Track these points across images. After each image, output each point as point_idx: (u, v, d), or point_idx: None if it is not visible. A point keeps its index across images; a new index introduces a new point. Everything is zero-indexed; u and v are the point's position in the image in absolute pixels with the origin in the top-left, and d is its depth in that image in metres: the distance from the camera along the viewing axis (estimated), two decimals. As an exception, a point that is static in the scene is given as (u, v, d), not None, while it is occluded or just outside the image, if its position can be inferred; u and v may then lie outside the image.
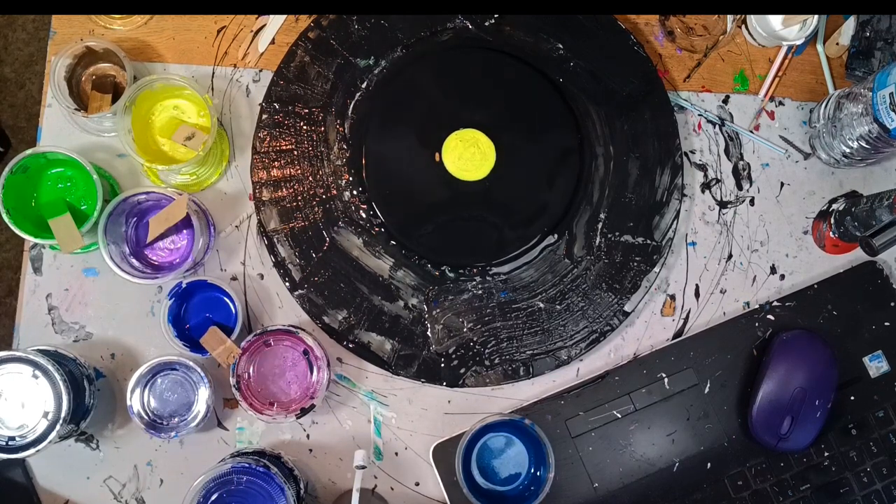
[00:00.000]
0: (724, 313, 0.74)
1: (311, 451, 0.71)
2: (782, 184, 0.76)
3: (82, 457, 0.70)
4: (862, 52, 0.75)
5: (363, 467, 0.64)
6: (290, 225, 0.71)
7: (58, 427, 0.62)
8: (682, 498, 0.71)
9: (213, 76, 0.74)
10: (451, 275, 0.71)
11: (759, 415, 0.70)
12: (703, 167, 0.76)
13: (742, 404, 0.72)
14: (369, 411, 0.71)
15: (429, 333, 0.71)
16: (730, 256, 0.75)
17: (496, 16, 0.74)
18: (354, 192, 0.72)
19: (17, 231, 0.65)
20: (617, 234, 0.72)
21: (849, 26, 0.76)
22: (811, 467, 0.71)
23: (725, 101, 0.76)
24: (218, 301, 0.70)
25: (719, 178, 0.76)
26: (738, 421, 0.72)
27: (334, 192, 0.72)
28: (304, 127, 0.72)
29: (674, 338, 0.74)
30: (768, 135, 0.76)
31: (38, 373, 0.62)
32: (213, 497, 0.61)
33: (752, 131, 0.76)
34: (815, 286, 0.74)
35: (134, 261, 0.69)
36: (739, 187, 0.75)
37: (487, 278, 0.71)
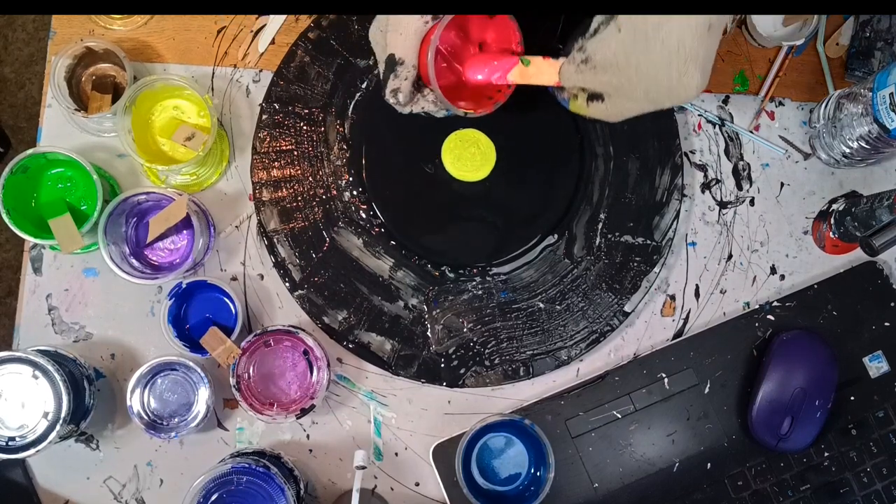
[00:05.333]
0: (724, 313, 0.74)
1: (311, 451, 0.71)
2: (782, 184, 0.76)
3: (82, 457, 0.70)
4: (862, 52, 0.75)
5: (363, 467, 0.64)
6: (290, 225, 0.71)
7: (58, 427, 0.62)
8: (682, 498, 0.71)
9: (213, 76, 0.74)
10: (451, 275, 0.71)
11: (759, 415, 0.70)
12: (703, 167, 0.76)
13: (742, 404, 0.72)
14: (369, 411, 0.71)
15: (429, 334, 0.71)
16: (730, 256, 0.75)
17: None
18: (354, 193, 0.72)
19: (17, 231, 0.65)
20: (617, 234, 0.72)
21: (849, 26, 0.76)
22: (811, 467, 0.71)
23: (725, 101, 0.76)
24: (218, 301, 0.70)
25: (719, 178, 0.76)
26: (738, 421, 0.72)
27: (334, 192, 0.72)
28: (304, 127, 0.72)
29: (674, 338, 0.74)
30: (768, 135, 0.76)
31: (38, 373, 0.63)
32: (213, 497, 0.61)
33: (752, 131, 0.76)
34: (815, 286, 0.74)
35: (134, 261, 0.69)
36: (739, 187, 0.76)
37: (487, 278, 0.71)
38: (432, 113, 0.61)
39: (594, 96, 0.57)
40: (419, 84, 0.60)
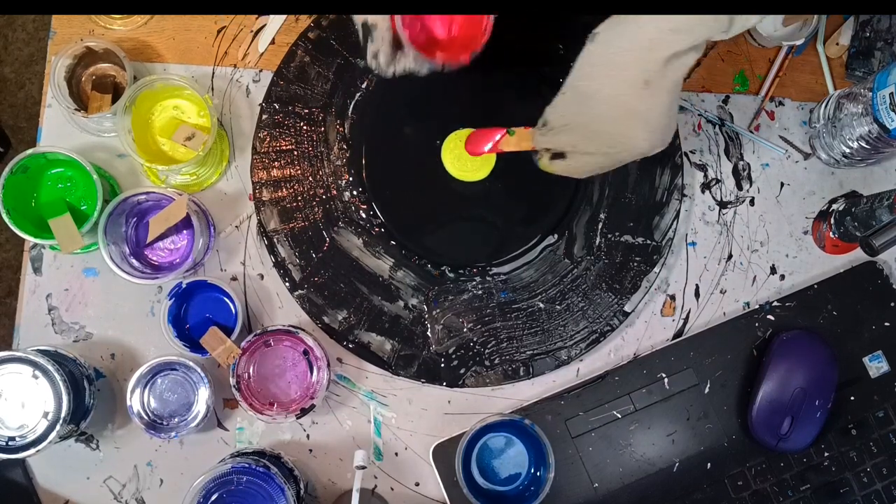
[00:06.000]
0: (724, 313, 0.74)
1: (311, 451, 0.71)
2: (782, 184, 0.76)
3: (82, 457, 0.70)
4: (862, 52, 0.75)
5: (363, 467, 0.64)
6: (290, 225, 0.71)
7: (58, 427, 0.62)
8: (682, 498, 0.71)
9: (213, 76, 0.74)
10: (451, 275, 0.71)
11: (759, 415, 0.70)
12: (702, 167, 0.76)
13: (742, 404, 0.72)
14: (369, 411, 0.71)
15: (429, 333, 0.71)
16: (730, 256, 0.75)
17: (496, 16, 0.74)
18: (354, 192, 0.72)
19: (17, 231, 0.65)
20: (617, 234, 0.72)
21: (849, 26, 0.76)
22: (811, 467, 0.71)
23: (725, 101, 0.76)
24: (218, 301, 0.70)
25: (719, 178, 0.76)
26: (738, 421, 0.72)
27: (334, 192, 0.72)
28: (304, 127, 0.72)
29: (674, 338, 0.74)
30: (768, 135, 0.76)
31: (38, 373, 0.63)
32: (213, 497, 0.61)
33: (752, 131, 0.76)
34: (815, 286, 0.74)
35: (134, 261, 0.69)
36: (739, 187, 0.76)
37: (487, 278, 0.71)
38: (416, 72, 0.62)
39: (557, 155, 0.61)
40: (398, 44, 0.61)
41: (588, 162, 0.60)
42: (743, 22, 0.54)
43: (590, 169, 0.61)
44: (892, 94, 0.64)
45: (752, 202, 0.75)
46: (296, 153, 0.72)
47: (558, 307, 0.72)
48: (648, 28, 0.53)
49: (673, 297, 0.74)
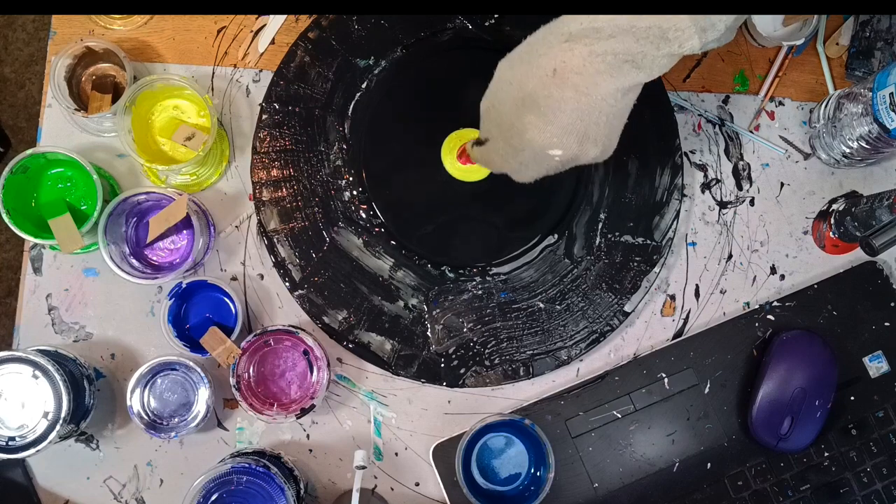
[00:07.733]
0: (724, 313, 0.74)
1: (311, 451, 0.71)
2: (782, 184, 0.76)
3: (82, 457, 0.70)
4: (862, 52, 0.75)
5: (363, 467, 0.64)
6: (290, 225, 0.71)
7: (58, 427, 0.62)
8: (682, 498, 0.71)
9: (213, 76, 0.74)
10: (451, 275, 0.71)
11: (759, 415, 0.70)
12: (703, 167, 0.76)
13: (742, 404, 0.72)
14: (369, 411, 0.71)
15: (429, 333, 0.71)
16: (730, 256, 0.75)
17: (496, 16, 0.74)
18: (354, 192, 0.72)
19: (17, 231, 0.65)
20: (617, 234, 0.72)
21: (849, 26, 0.76)
22: (811, 467, 0.71)
23: (725, 101, 0.76)
24: (218, 301, 0.70)
25: (719, 178, 0.76)
26: (738, 421, 0.72)
27: (334, 192, 0.72)
28: (305, 127, 0.72)
29: (674, 338, 0.74)
30: (768, 135, 0.76)
31: (38, 373, 0.63)
32: (213, 497, 0.61)
33: (752, 131, 0.76)
34: (815, 286, 0.74)
35: (134, 261, 0.69)
36: (739, 187, 0.75)
37: (487, 278, 0.71)
38: None
39: (478, 142, 0.61)
40: None
41: (496, 150, 0.59)
42: (678, 44, 0.50)
43: (499, 160, 0.59)
44: (892, 94, 0.64)
45: (752, 202, 0.75)
46: (296, 153, 0.72)
47: (558, 307, 0.72)
48: (572, 23, 0.52)
49: (673, 297, 0.74)
